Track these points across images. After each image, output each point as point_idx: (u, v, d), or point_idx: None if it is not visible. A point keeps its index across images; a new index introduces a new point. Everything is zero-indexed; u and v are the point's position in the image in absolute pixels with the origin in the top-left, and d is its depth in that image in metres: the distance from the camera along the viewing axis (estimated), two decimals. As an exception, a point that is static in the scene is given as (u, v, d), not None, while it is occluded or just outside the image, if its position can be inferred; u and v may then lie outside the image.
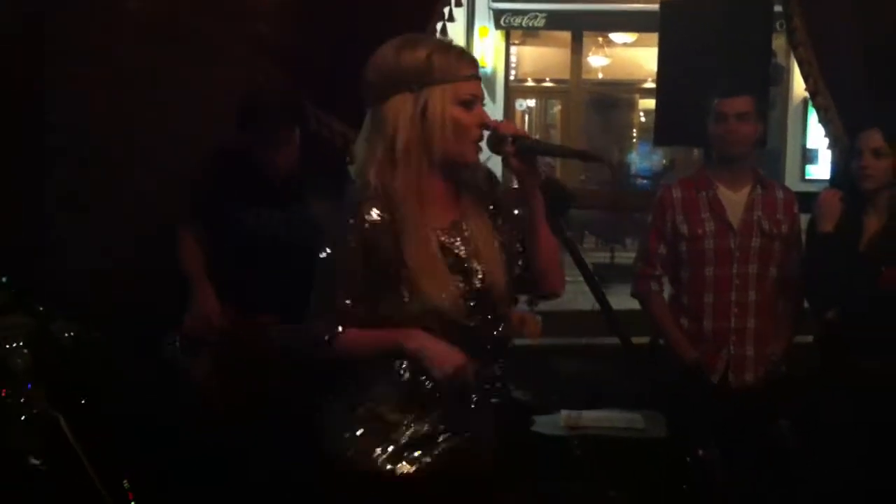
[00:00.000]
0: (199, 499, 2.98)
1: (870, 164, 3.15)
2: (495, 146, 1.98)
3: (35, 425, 2.18)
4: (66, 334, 2.65)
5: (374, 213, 1.92)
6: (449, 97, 1.94)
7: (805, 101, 11.52)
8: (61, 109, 3.37)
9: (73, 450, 2.17)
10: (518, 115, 15.27)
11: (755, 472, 3.25)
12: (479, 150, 2.00)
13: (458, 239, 2.01)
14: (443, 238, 1.99)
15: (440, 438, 2.00)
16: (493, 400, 2.09)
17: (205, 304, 3.05)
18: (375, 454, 1.98)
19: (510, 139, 1.94)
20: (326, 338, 1.97)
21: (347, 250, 1.94)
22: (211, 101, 3.39)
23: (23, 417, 2.23)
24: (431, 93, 1.93)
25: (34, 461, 2.09)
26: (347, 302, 1.96)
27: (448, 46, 2.01)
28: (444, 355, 1.89)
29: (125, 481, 2.56)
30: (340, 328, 1.96)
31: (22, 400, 2.22)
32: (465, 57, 1.99)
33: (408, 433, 1.98)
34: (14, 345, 2.37)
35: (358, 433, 2.00)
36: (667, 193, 3.38)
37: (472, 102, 1.97)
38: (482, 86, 2.03)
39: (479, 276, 2.00)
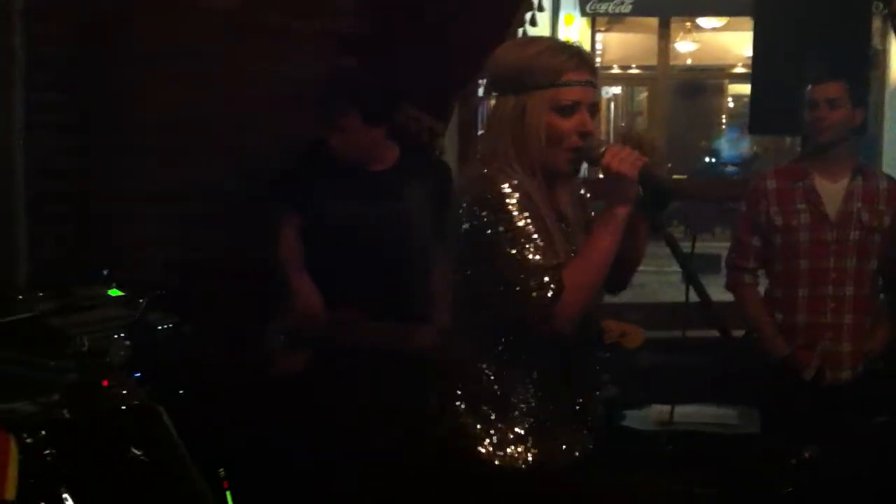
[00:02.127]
0: (294, 491, 3.02)
1: None
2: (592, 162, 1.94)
3: (136, 415, 2.23)
4: (165, 326, 2.71)
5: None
6: (546, 103, 1.91)
7: (904, 86, 11.13)
8: (155, 107, 3.44)
9: (174, 440, 2.21)
10: (603, 103, 15.12)
11: (854, 473, 3.16)
12: (579, 161, 1.95)
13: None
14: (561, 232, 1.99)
15: (546, 431, 1.99)
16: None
17: (308, 298, 3.04)
18: (506, 448, 1.97)
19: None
20: (554, 294, 1.83)
21: (518, 208, 1.87)
22: (299, 96, 3.42)
23: (123, 408, 2.28)
24: (530, 97, 1.92)
25: (135, 451, 2.14)
26: (546, 254, 1.86)
27: (559, 49, 1.96)
28: (625, 161, 1.86)
29: (220, 470, 2.60)
30: (556, 280, 1.83)
31: (123, 391, 2.27)
32: (572, 60, 1.93)
33: (519, 427, 1.97)
34: (116, 336, 2.43)
35: (483, 427, 1.98)
36: (760, 184, 3.31)
37: (573, 109, 1.92)
38: (595, 92, 1.97)
39: None
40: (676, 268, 2.01)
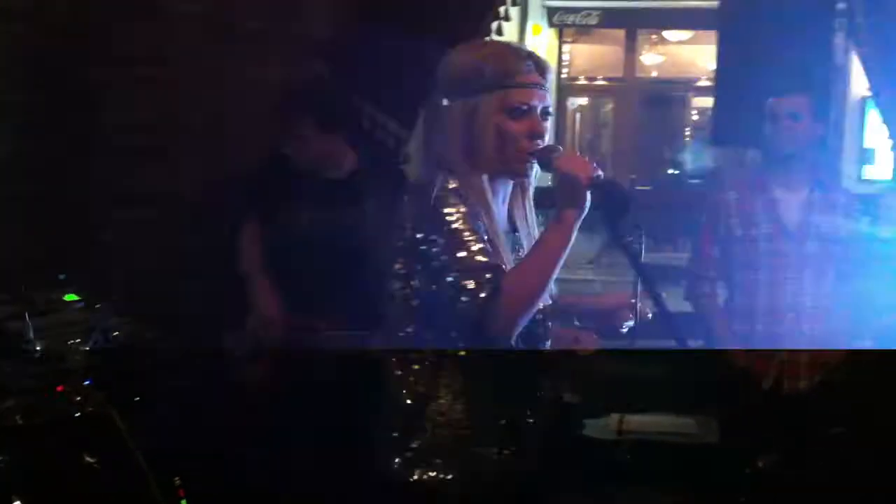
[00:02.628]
0: (249, 498, 2.99)
1: None
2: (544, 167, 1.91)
3: (91, 421, 2.20)
4: (122, 332, 2.68)
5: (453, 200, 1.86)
6: (496, 105, 1.87)
7: (863, 100, 11.29)
8: (117, 109, 3.41)
9: (128, 447, 2.19)
10: (570, 114, 15.19)
11: (811, 479, 3.20)
12: (531, 164, 1.91)
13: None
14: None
15: (493, 442, 1.96)
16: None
17: (268, 305, 3.04)
18: (417, 460, 1.92)
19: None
20: (485, 295, 1.77)
21: (456, 209, 1.83)
22: (264, 101, 3.40)
23: (78, 414, 2.25)
24: (483, 101, 1.88)
25: (88, 458, 2.11)
26: (484, 255, 1.81)
27: (508, 51, 1.94)
28: (578, 167, 1.83)
29: (176, 479, 2.57)
30: (494, 280, 1.78)
31: (78, 397, 2.24)
32: (524, 62, 1.90)
33: (458, 438, 1.93)
34: (72, 341, 2.40)
35: (404, 439, 1.94)
36: (721, 195, 3.34)
37: (525, 112, 1.89)
38: (547, 95, 1.93)
39: None
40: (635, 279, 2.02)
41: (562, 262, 1.86)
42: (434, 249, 1.84)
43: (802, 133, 3.21)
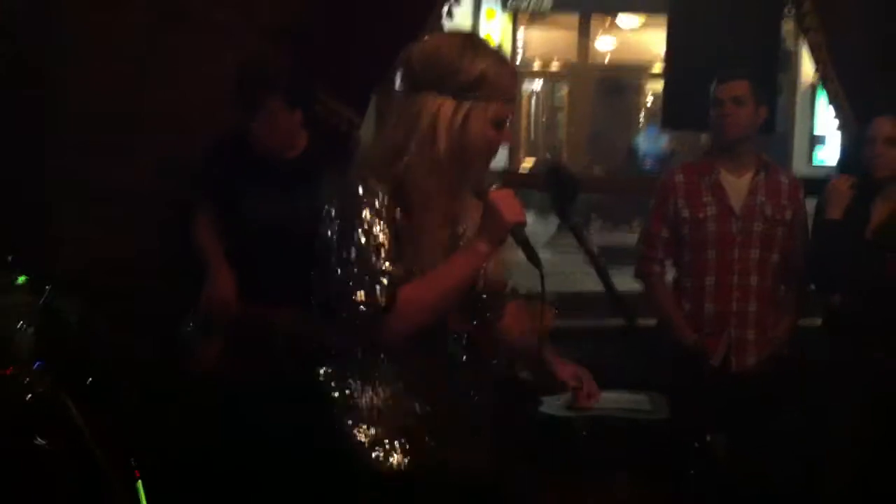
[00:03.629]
0: (205, 480, 2.99)
1: (883, 152, 3.15)
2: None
3: (40, 404, 2.19)
4: (71, 314, 2.65)
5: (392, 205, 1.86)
6: (490, 115, 1.90)
7: (813, 87, 11.46)
8: (66, 96, 3.37)
9: (79, 429, 2.17)
10: (525, 98, 15.23)
11: (759, 456, 3.27)
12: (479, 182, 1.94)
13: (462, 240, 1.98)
14: (449, 238, 1.96)
15: (441, 433, 1.97)
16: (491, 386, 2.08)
17: (221, 285, 3.02)
18: (374, 444, 1.94)
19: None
20: (381, 305, 1.78)
21: (374, 214, 1.83)
22: (215, 84, 3.38)
23: (28, 396, 2.23)
24: (475, 107, 1.89)
25: (39, 440, 2.09)
26: (386, 264, 1.81)
27: (503, 63, 1.95)
28: (509, 207, 1.86)
29: (131, 459, 2.56)
30: (388, 292, 1.78)
31: (27, 379, 2.22)
32: (513, 78, 1.96)
33: (408, 424, 1.95)
34: (20, 324, 2.37)
35: (356, 423, 1.96)
36: (669, 177, 3.39)
37: (504, 124, 1.94)
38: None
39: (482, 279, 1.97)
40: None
41: (462, 288, 1.88)
42: (344, 243, 1.84)
43: (746, 117, 3.26)
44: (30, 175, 3.35)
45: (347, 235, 1.84)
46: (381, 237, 1.83)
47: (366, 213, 1.84)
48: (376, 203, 1.85)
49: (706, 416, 2.99)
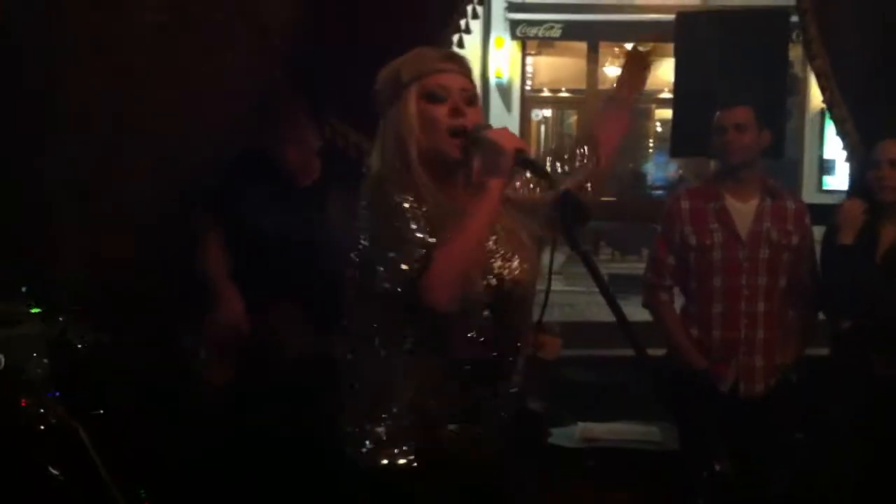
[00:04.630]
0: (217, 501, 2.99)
1: (888, 175, 3.16)
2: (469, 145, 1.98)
3: (53, 434, 2.20)
4: (84, 344, 2.67)
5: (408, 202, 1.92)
6: (415, 95, 1.98)
7: (822, 112, 11.47)
8: (70, 106, 3.38)
9: (91, 459, 2.18)
10: (534, 125, 15.28)
11: (770, 481, 3.26)
12: (461, 143, 1.97)
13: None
14: None
15: (449, 431, 2.00)
16: (507, 408, 2.09)
17: (230, 310, 3.04)
18: (385, 450, 1.98)
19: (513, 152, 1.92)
20: (415, 268, 1.85)
21: (398, 207, 1.90)
22: (226, 109, 3.41)
23: (41, 427, 2.24)
24: (402, 94, 1.99)
25: (53, 471, 2.10)
26: (421, 235, 1.88)
27: (418, 51, 2.05)
28: (505, 137, 1.92)
29: (142, 491, 2.57)
30: (425, 257, 1.85)
31: (41, 410, 2.23)
32: (436, 53, 2.04)
33: (415, 427, 1.98)
34: (34, 354, 2.39)
35: (369, 430, 1.99)
36: (675, 204, 3.39)
37: (443, 96, 1.98)
38: (467, 80, 2.03)
39: (497, 272, 2.00)
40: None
41: (488, 233, 1.95)
42: (372, 239, 1.93)
43: (749, 143, 3.27)
44: (40, 204, 3.38)
45: (384, 225, 1.91)
46: (415, 219, 1.90)
47: (396, 200, 1.91)
48: (402, 194, 1.92)
49: (715, 444, 2.98)
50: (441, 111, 1.97)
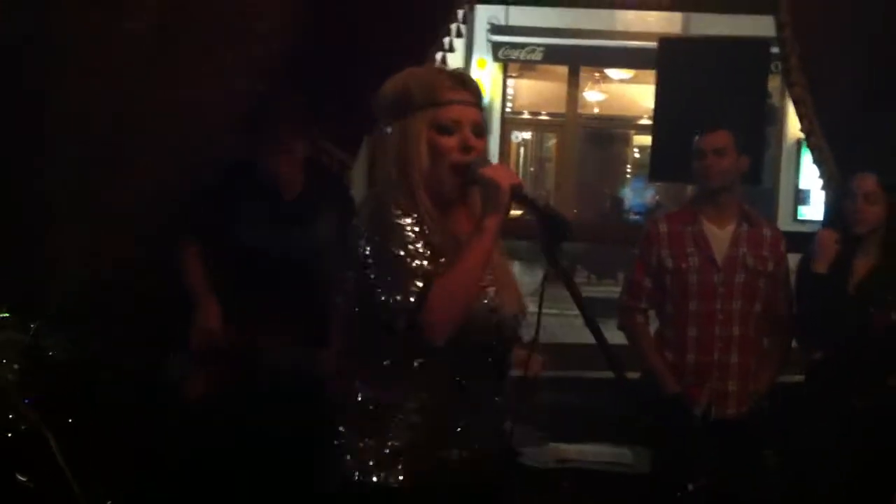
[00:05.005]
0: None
1: (862, 209, 3.20)
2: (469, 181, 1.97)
3: (24, 441, 2.17)
4: (58, 351, 2.64)
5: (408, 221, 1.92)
6: (426, 122, 1.95)
7: (799, 142, 11.59)
8: (55, 121, 3.37)
9: (61, 468, 2.15)
10: (514, 148, 15.35)
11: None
12: (464, 180, 1.96)
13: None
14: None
15: (448, 451, 1.99)
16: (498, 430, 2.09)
17: (209, 319, 3.02)
18: (380, 467, 1.95)
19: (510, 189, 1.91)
20: (415, 300, 1.84)
21: (407, 227, 1.89)
22: (212, 120, 3.41)
23: (9, 434, 2.21)
24: (411, 119, 1.95)
25: (21, 478, 2.07)
26: (423, 264, 1.87)
27: (433, 73, 2.02)
28: (501, 174, 1.91)
29: (109, 502, 2.54)
30: (423, 292, 1.84)
31: (11, 416, 2.20)
32: (450, 80, 1.98)
33: (394, 446, 1.96)
34: (4, 360, 2.36)
35: (362, 446, 1.97)
36: (653, 228, 3.42)
37: (453, 128, 1.95)
38: (477, 112, 1.99)
39: (493, 299, 2.00)
40: (577, 311, 2.04)
41: (484, 269, 1.93)
42: (372, 261, 1.90)
43: (728, 167, 3.30)
44: (14, 210, 3.35)
45: (384, 248, 1.90)
46: (416, 243, 1.90)
47: (398, 222, 1.90)
48: (404, 213, 1.91)
49: (688, 466, 2.98)
50: (449, 144, 1.95)
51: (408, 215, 1.91)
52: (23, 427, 2.19)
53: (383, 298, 1.88)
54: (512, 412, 2.18)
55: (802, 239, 3.58)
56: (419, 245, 1.89)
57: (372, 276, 1.90)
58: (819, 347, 3.31)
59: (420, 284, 1.85)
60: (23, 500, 2.06)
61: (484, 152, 2.00)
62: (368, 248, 1.91)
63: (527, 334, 2.15)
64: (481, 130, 2.00)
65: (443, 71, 2.04)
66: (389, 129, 1.99)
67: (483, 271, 1.93)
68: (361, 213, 1.98)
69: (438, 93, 1.96)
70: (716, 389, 3.28)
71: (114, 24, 3.37)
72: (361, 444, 1.97)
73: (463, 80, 2.00)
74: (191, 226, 3.16)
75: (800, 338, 3.41)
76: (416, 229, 1.91)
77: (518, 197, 1.92)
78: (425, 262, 1.88)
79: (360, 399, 1.99)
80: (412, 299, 1.85)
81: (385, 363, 1.97)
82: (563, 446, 3.71)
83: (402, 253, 1.88)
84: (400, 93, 1.97)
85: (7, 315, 2.63)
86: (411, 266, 1.87)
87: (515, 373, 2.12)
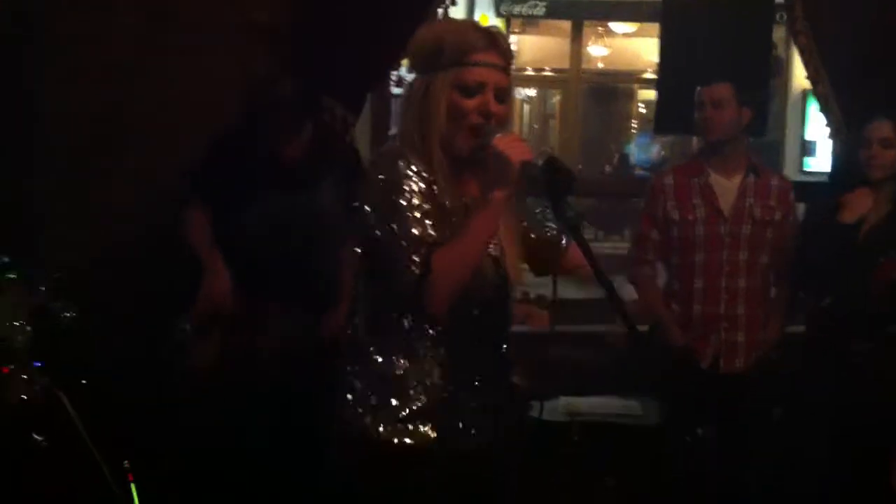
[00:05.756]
0: (200, 481, 2.99)
1: (878, 154, 3.17)
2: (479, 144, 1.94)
3: (37, 402, 2.19)
4: (67, 314, 2.65)
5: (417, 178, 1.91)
6: (450, 82, 1.91)
7: (804, 93, 11.48)
8: (61, 94, 3.37)
9: (75, 427, 2.18)
10: (518, 105, 15.25)
11: (748, 455, 3.29)
12: (478, 140, 1.93)
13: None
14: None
15: (453, 407, 1.99)
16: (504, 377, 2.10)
17: (217, 280, 3.02)
18: (385, 427, 1.96)
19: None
20: (418, 271, 1.84)
21: (415, 186, 1.88)
22: (209, 83, 3.39)
23: (24, 395, 2.23)
24: (436, 76, 1.92)
25: (36, 437, 2.09)
26: (429, 231, 1.86)
27: (467, 29, 1.97)
28: (513, 148, 1.88)
29: (125, 462, 2.56)
30: (428, 258, 1.83)
31: (24, 377, 2.22)
32: (482, 41, 1.93)
33: (419, 405, 1.96)
34: (16, 323, 2.37)
35: (368, 407, 1.97)
36: (659, 180, 3.41)
37: (476, 89, 1.92)
38: (503, 75, 1.95)
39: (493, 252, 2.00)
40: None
41: (489, 242, 1.93)
42: (380, 224, 1.89)
43: (728, 120, 3.28)
44: (21, 174, 3.35)
45: (392, 208, 1.89)
46: (424, 207, 1.88)
47: (407, 182, 1.89)
48: (415, 172, 1.90)
49: (697, 413, 3.00)
50: (469, 105, 1.92)
51: (418, 175, 1.90)
52: (36, 388, 2.21)
53: (388, 268, 1.88)
54: (521, 365, 2.20)
55: (808, 189, 3.56)
56: (427, 208, 1.88)
57: (379, 239, 1.90)
58: (824, 295, 3.30)
59: (417, 257, 1.85)
60: (39, 460, 2.09)
61: (507, 118, 1.97)
62: (374, 216, 1.90)
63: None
64: (505, 95, 1.96)
65: (478, 29, 1.98)
66: (415, 81, 1.97)
67: (486, 244, 1.92)
68: (369, 178, 1.95)
69: (468, 52, 1.92)
70: (723, 341, 3.29)
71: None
72: (377, 404, 1.96)
73: (496, 42, 1.96)
74: (195, 189, 3.14)
75: (805, 288, 3.40)
76: (425, 191, 1.89)
77: (528, 174, 1.88)
78: (431, 229, 1.87)
79: (373, 360, 1.98)
80: (415, 269, 1.85)
81: (395, 324, 1.96)
82: (575, 400, 3.75)
83: (408, 220, 1.86)
84: (430, 47, 1.94)
85: (14, 276, 2.63)
86: (415, 235, 1.86)
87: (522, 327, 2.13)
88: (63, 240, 3.33)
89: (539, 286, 2.38)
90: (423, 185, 1.90)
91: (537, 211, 2.12)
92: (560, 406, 3.77)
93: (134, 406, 2.87)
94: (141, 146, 3.43)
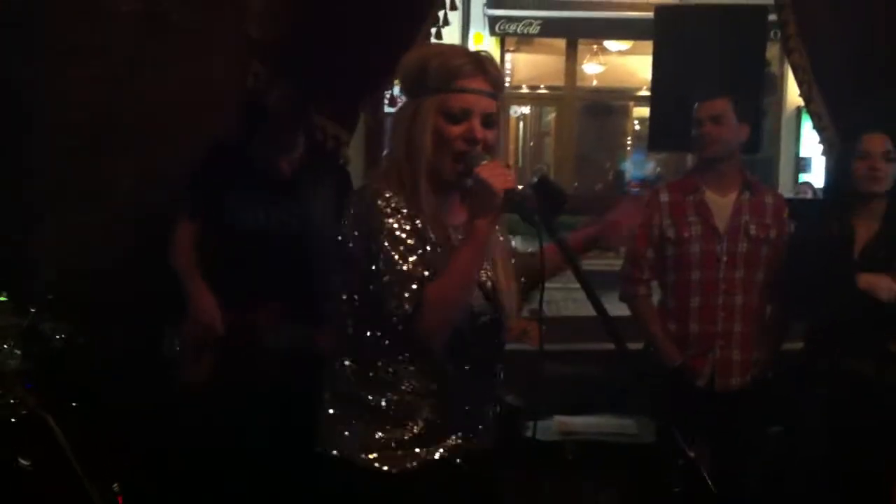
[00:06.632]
0: (190, 496, 2.97)
1: (880, 167, 3.15)
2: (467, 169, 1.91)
3: (25, 426, 2.17)
4: (57, 336, 2.63)
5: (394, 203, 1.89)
6: (435, 107, 1.90)
7: (798, 110, 11.54)
8: (50, 104, 3.35)
9: (63, 451, 2.15)
10: (512, 122, 15.27)
11: (743, 474, 3.27)
12: (463, 166, 1.90)
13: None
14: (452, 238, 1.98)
15: (442, 436, 1.98)
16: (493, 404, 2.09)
17: (204, 306, 3.01)
18: (374, 451, 1.94)
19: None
20: (408, 308, 1.83)
21: (394, 221, 1.86)
22: (202, 101, 3.38)
23: (12, 419, 2.21)
24: (422, 102, 1.91)
25: (23, 462, 2.07)
26: (414, 267, 1.84)
27: (459, 54, 1.95)
28: (496, 176, 1.85)
29: (115, 485, 2.54)
30: (416, 296, 1.82)
31: (12, 400, 2.20)
32: (469, 67, 1.91)
33: (409, 431, 1.95)
34: (5, 345, 2.35)
35: (356, 429, 1.96)
36: (654, 197, 3.39)
37: (462, 116, 1.90)
38: (491, 101, 1.93)
39: (486, 282, 1.99)
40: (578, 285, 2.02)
41: (478, 270, 1.91)
42: (369, 255, 1.88)
43: (726, 136, 3.27)
44: (9, 195, 3.33)
45: (372, 245, 1.87)
46: (407, 242, 1.87)
47: (387, 221, 1.87)
48: (394, 210, 1.88)
49: (691, 434, 2.97)
50: (455, 132, 1.90)
51: (399, 212, 1.88)
52: (23, 412, 2.19)
53: (382, 301, 1.86)
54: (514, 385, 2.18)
55: (802, 206, 3.55)
56: (411, 244, 1.86)
57: (365, 278, 1.89)
58: (814, 318, 3.28)
59: (414, 287, 1.84)
60: (25, 484, 2.06)
61: (494, 144, 1.94)
62: (361, 250, 1.89)
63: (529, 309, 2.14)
64: (492, 121, 1.94)
65: (466, 54, 1.95)
66: (404, 104, 1.96)
67: (476, 273, 1.91)
68: (352, 211, 1.93)
69: (454, 78, 1.90)
70: (719, 359, 3.28)
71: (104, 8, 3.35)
72: (360, 428, 1.95)
73: (483, 67, 1.93)
74: (186, 205, 3.13)
75: (791, 309, 3.37)
76: (408, 227, 1.87)
77: (511, 203, 1.86)
78: (417, 264, 1.85)
79: (358, 382, 1.97)
80: (407, 306, 1.84)
81: (385, 350, 1.95)
82: (569, 419, 3.73)
83: (394, 256, 1.85)
84: (417, 72, 1.93)
85: (4, 299, 2.61)
86: (404, 270, 1.85)
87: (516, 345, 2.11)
88: (53, 259, 3.31)
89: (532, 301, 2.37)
90: (403, 222, 1.88)
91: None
92: (554, 425, 3.76)
93: (124, 423, 2.84)
94: (132, 163, 3.41)
